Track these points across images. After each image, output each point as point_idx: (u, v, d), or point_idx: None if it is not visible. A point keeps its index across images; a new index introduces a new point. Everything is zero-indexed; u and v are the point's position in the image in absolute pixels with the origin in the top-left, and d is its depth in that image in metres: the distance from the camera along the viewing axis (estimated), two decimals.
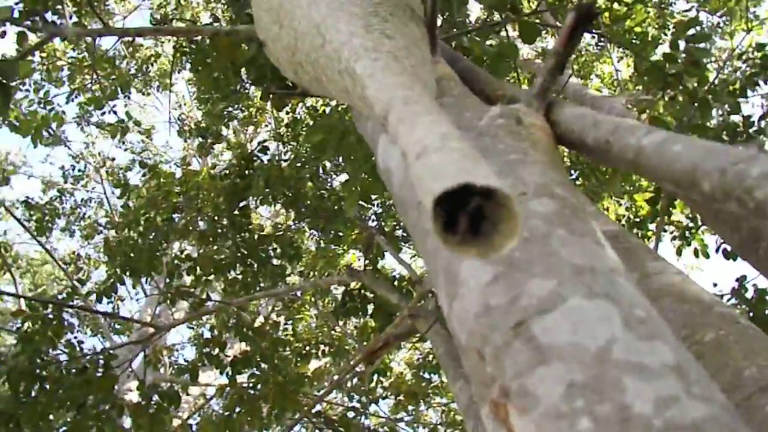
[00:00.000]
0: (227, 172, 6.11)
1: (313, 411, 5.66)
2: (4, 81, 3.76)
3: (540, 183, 0.97)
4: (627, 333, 0.75)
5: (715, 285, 7.99)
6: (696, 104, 2.85)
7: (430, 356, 7.84)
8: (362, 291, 5.28)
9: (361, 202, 4.30)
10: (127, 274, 5.16)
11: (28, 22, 4.28)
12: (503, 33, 2.93)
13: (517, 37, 3.09)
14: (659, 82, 2.91)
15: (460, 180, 0.55)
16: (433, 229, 0.58)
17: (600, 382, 0.70)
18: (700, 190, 0.84)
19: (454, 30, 2.51)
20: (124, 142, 7.91)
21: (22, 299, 5.59)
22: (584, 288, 0.80)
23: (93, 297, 5.59)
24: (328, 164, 6.39)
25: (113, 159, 10.10)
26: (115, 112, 7.06)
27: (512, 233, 0.58)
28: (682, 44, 3.08)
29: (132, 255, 5.13)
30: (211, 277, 5.79)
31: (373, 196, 4.78)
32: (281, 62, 1.62)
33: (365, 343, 6.21)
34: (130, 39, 8.51)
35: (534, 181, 0.98)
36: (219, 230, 5.88)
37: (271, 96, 4.08)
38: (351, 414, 6.16)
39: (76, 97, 7.25)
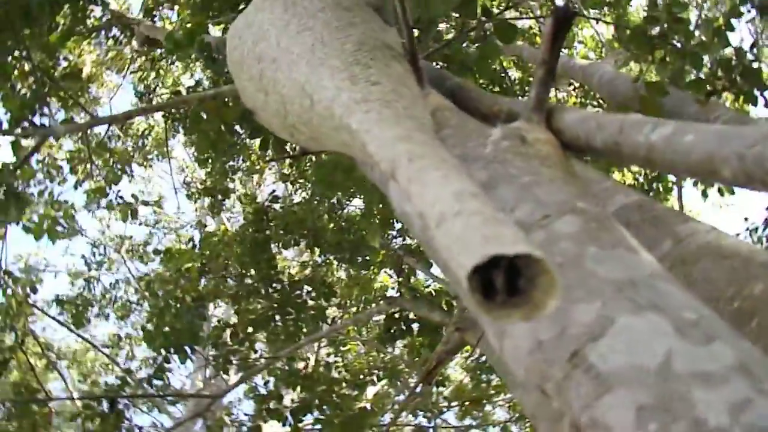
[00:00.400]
0: (244, 225, 6.14)
1: None
2: (17, 190, 3.81)
3: (560, 201, 0.97)
4: (682, 342, 0.74)
5: (746, 219, 7.89)
6: (686, 59, 2.83)
7: (483, 357, 7.78)
8: (403, 313, 5.27)
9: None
10: (171, 353, 5.19)
11: (19, 130, 4.35)
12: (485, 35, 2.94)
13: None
14: (645, 46, 2.89)
15: (488, 252, 0.55)
16: (474, 303, 0.58)
17: (668, 401, 0.69)
18: (721, 177, 0.83)
19: (434, 44, 2.52)
20: (136, 218, 7.97)
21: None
22: (629, 303, 0.79)
23: (144, 378, 5.62)
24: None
25: (131, 237, 10.19)
26: (121, 197, 7.13)
27: (552, 288, 0.58)
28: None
29: (171, 335, 5.16)
30: (253, 335, 5.80)
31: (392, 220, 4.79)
32: (274, 127, 1.63)
33: (416, 360, 6.20)
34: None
35: (553, 200, 0.97)
36: (250, 286, 5.90)
37: (271, 145, 4.11)
38: None
39: (81, 184, 7.34)
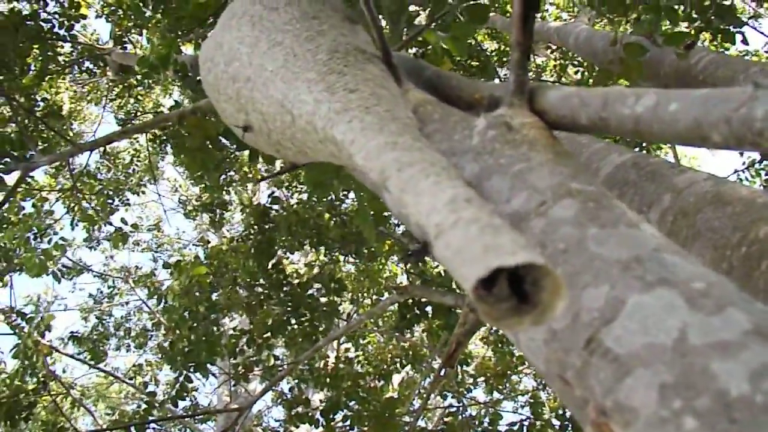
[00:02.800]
0: (246, 234, 6.15)
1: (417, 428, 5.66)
2: None
3: (554, 185, 0.96)
4: (695, 314, 0.74)
5: (741, 154, 7.90)
6: (661, 14, 2.81)
7: (501, 330, 7.80)
8: (415, 298, 5.29)
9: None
10: (192, 370, 5.21)
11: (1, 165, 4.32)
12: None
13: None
14: (619, 6, 2.87)
15: (490, 264, 0.54)
16: (482, 313, 0.58)
17: (689, 376, 0.69)
18: (712, 142, 0.83)
19: (405, 33, 2.50)
20: (126, 243, 8.00)
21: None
22: (637, 282, 0.79)
23: (169, 403, 5.64)
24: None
25: (138, 267, 10.22)
26: (110, 223, 7.14)
27: (557, 289, 0.57)
28: None
29: (190, 351, 5.18)
30: (270, 340, 5.82)
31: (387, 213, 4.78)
32: (260, 145, 1.62)
33: (436, 343, 6.22)
34: (104, 149, 8.60)
35: (548, 185, 0.97)
36: (261, 294, 5.91)
37: (260, 155, 4.10)
38: (449, 417, 6.16)
39: (77, 224, 7.35)
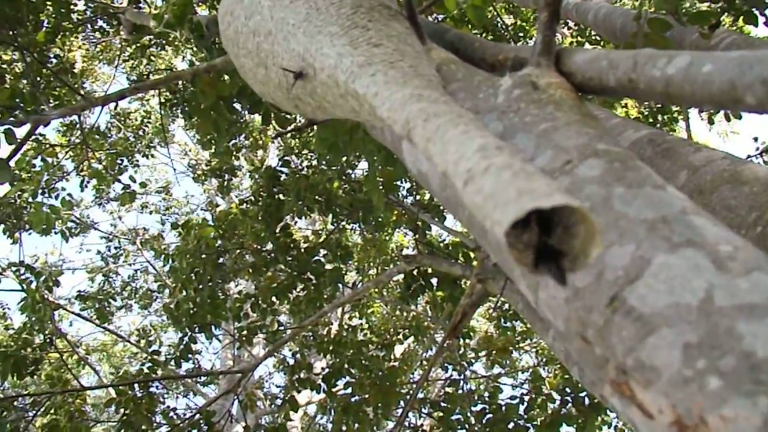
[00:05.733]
0: (255, 198, 6.15)
1: (417, 398, 5.70)
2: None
3: (580, 144, 0.95)
4: (722, 275, 0.73)
5: (755, 139, 7.83)
6: None
7: (506, 305, 7.83)
8: (421, 269, 5.29)
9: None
10: (197, 331, 5.24)
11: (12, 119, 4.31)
12: None
13: None
14: None
15: (524, 206, 0.53)
16: (515, 260, 0.57)
17: (714, 336, 0.68)
18: (746, 104, 0.81)
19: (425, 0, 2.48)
20: (134, 201, 8.00)
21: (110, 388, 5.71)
22: (664, 242, 0.78)
23: (173, 363, 5.69)
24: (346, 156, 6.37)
25: (145, 229, 10.23)
26: (119, 180, 7.15)
27: (592, 236, 0.56)
28: None
29: (195, 312, 5.21)
30: (275, 305, 5.85)
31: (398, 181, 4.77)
32: (278, 100, 1.61)
33: (439, 314, 6.24)
34: (117, 109, 8.58)
35: (574, 144, 0.95)
36: (267, 258, 5.92)
37: (273, 118, 4.08)
38: (450, 388, 6.19)
39: (88, 182, 7.35)
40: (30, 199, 6.73)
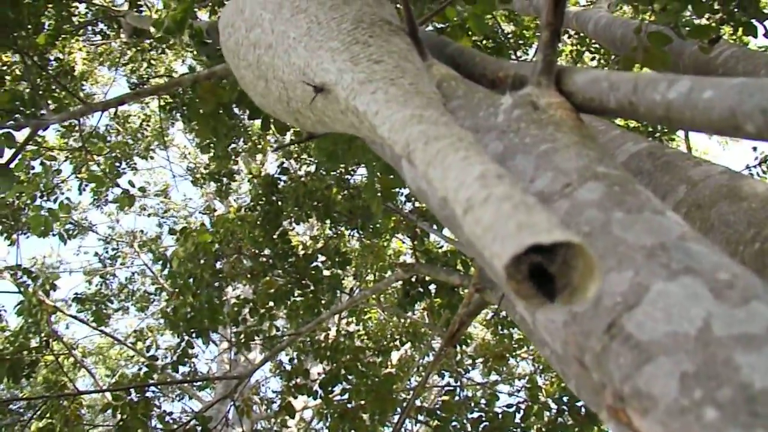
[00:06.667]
0: (254, 204, 6.15)
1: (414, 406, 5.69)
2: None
3: (580, 167, 0.95)
4: (720, 304, 0.73)
5: (754, 149, 7.85)
6: (688, 5, 2.77)
7: (503, 312, 7.82)
8: (419, 276, 5.29)
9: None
10: (194, 336, 5.24)
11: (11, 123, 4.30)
12: None
13: None
14: None
15: (524, 241, 0.54)
16: (513, 293, 0.57)
17: (711, 366, 0.68)
18: (745, 132, 0.81)
19: (426, 11, 2.48)
20: (133, 205, 7.98)
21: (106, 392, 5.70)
22: (662, 269, 0.78)
23: (169, 368, 5.67)
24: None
25: (143, 231, 10.23)
26: (118, 184, 7.15)
27: (591, 271, 0.56)
28: None
29: (192, 317, 5.21)
30: (273, 310, 5.84)
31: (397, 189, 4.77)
32: (278, 113, 1.61)
33: (436, 322, 6.23)
34: (116, 111, 8.57)
35: (573, 167, 0.96)
36: (265, 263, 5.92)
37: (272, 124, 4.08)
38: (446, 396, 6.18)
39: (86, 186, 7.34)
40: (28, 202, 6.72)
